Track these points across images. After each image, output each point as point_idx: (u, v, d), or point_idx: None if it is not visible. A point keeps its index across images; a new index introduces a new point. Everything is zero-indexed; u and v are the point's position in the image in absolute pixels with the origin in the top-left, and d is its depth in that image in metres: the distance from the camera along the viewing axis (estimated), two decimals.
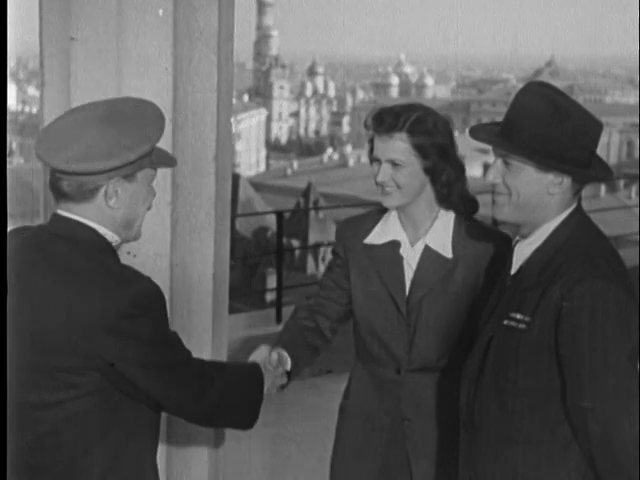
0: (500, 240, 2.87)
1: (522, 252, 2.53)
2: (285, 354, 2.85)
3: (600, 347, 2.35)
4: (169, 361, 2.32)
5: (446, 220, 2.90)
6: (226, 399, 2.44)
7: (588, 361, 2.36)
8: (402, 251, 2.92)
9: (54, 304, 2.25)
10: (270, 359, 2.71)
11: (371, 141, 2.86)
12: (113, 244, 2.37)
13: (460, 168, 2.88)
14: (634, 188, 57.63)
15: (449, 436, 2.90)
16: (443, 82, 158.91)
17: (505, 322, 2.48)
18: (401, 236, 2.92)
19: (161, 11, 2.85)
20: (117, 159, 2.27)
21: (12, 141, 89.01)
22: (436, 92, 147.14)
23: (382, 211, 2.97)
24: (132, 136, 2.29)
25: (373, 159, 2.85)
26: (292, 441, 5.34)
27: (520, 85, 2.59)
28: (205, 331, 3.01)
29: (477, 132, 2.54)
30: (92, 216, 2.33)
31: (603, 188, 55.11)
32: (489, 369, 2.52)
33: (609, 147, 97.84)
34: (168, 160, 2.47)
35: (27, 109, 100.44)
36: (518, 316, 2.45)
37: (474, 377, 2.56)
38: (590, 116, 2.47)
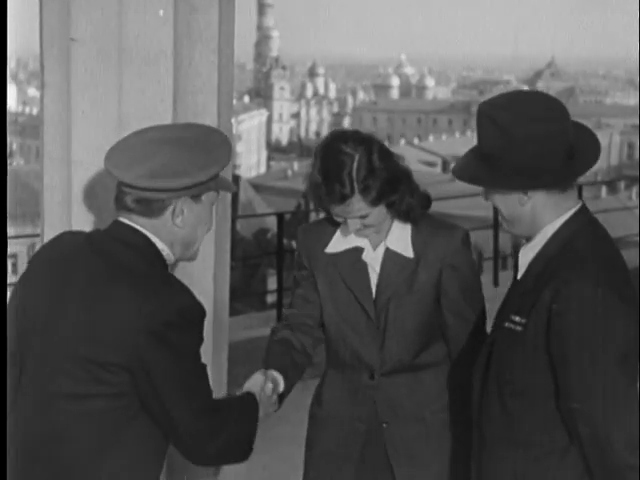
0: (457, 233, 2.93)
1: (526, 256, 2.54)
2: (279, 378, 2.84)
3: (586, 349, 2.35)
4: (194, 387, 2.36)
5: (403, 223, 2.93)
6: (232, 444, 2.47)
7: (575, 363, 2.37)
8: (364, 256, 2.95)
9: (105, 299, 2.31)
10: (265, 388, 2.71)
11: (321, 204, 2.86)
12: (167, 262, 2.45)
13: (407, 178, 2.88)
14: (634, 190, 57.55)
15: (429, 434, 2.96)
16: (444, 83, 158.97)
17: (506, 324, 2.49)
18: (363, 242, 2.95)
19: (161, 12, 2.85)
20: (190, 178, 2.35)
21: (12, 142, 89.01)
22: (437, 93, 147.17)
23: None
24: (203, 158, 2.38)
25: (336, 216, 2.86)
26: (292, 442, 5.32)
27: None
28: (205, 333, 2.99)
29: (456, 170, 2.56)
30: (154, 231, 2.40)
31: (604, 189, 55.09)
32: (492, 371, 2.54)
33: (610, 148, 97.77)
34: (228, 185, 2.56)
35: (27, 110, 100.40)
36: (516, 318, 2.46)
37: (480, 378, 2.58)
38: (548, 118, 2.44)
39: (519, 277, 2.55)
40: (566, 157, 2.45)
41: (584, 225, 2.50)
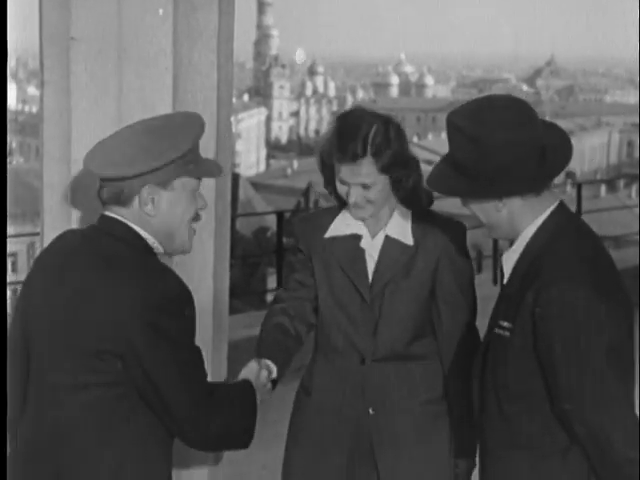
0: (455, 226, 3.00)
1: (509, 260, 2.54)
2: (272, 366, 2.86)
3: (572, 350, 2.35)
4: (188, 370, 2.37)
5: (404, 211, 2.98)
6: (231, 426, 2.47)
7: (563, 365, 2.37)
8: (363, 244, 2.98)
9: (97, 290, 2.32)
10: (260, 376, 2.73)
11: (327, 167, 2.92)
12: (155, 250, 2.45)
13: (416, 164, 2.95)
14: (634, 188, 57.57)
15: (416, 426, 2.98)
16: (443, 82, 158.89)
17: (496, 330, 2.50)
18: (362, 230, 2.98)
19: (161, 10, 2.84)
20: (141, 165, 2.35)
21: (12, 141, 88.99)
22: (436, 92, 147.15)
23: (340, 207, 3.02)
24: (160, 144, 2.37)
25: (340, 181, 2.89)
26: None
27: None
28: (205, 331, 3.00)
29: (431, 182, 2.57)
30: (134, 220, 2.42)
31: (603, 188, 55.09)
32: (488, 376, 2.54)
33: (609, 147, 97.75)
34: (212, 170, 2.54)
35: (27, 109, 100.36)
36: (505, 324, 2.47)
37: (478, 384, 2.59)
38: (509, 125, 2.42)
39: (505, 282, 2.56)
40: (539, 160, 2.44)
41: (563, 224, 2.49)
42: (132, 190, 2.39)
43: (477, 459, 2.77)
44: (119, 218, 2.42)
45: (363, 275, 2.97)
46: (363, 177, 2.85)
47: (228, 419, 2.44)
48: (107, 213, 2.44)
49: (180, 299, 2.35)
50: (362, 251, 2.98)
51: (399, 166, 2.86)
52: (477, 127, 2.42)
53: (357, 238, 2.99)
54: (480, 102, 2.51)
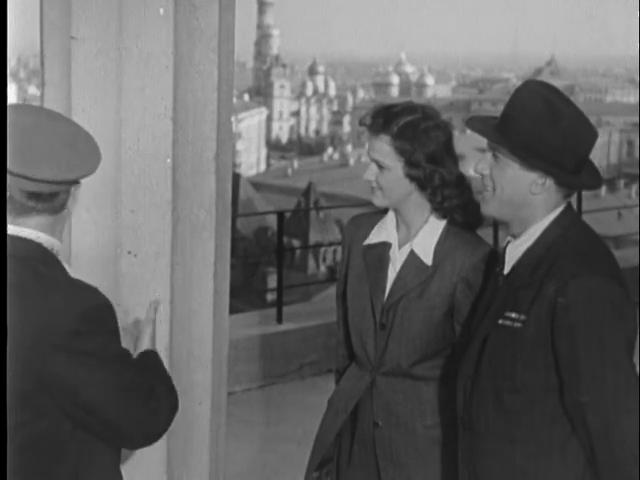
0: (479, 250, 2.86)
1: (514, 252, 2.55)
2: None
3: (597, 341, 2.38)
4: (122, 379, 2.22)
5: (435, 226, 2.89)
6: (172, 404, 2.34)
7: (585, 355, 2.38)
8: (391, 253, 2.94)
9: (11, 324, 2.12)
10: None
11: None
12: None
13: (457, 177, 2.86)
14: (634, 188, 57.73)
15: (418, 447, 2.91)
16: (443, 81, 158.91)
17: (500, 321, 2.49)
18: (392, 238, 2.94)
19: (162, 10, 2.84)
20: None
21: None
22: (436, 91, 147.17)
23: (385, 211, 2.99)
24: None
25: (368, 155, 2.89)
26: (292, 440, 5.35)
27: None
28: (205, 331, 3.01)
29: (474, 123, 2.56)
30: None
31: (603, 187, 55.12)
32: (485, 368, 2.53)
33: (609, 146, 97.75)
34: None
35: None
36: (513, 315, 2.46)
37: (470, 376, 2.57)
38: (585, 123, 2.48)
39: (505, 272, 2.56)
40: (577, 167, 2.50)
41: (573, 222, 2.53)
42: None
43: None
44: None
45: (381, 286, 2.92)
46: (377, 153, 2.82)
47: (170, 399, 2.32)
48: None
49: (94, 314, 2.17)
50: (387, 260, 2.93)
51: (421, 159, 2.79)
52: (560, 102, 2.46)
53: (387, 247, 2.95)
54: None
